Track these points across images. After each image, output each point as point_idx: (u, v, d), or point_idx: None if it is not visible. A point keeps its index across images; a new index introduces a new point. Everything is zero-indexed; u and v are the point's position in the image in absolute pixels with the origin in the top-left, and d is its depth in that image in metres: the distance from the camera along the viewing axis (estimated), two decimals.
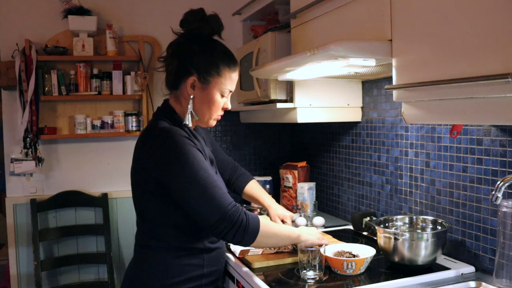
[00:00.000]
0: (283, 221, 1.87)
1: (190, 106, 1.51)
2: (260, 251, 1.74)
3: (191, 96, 1.50)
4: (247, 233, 1.42)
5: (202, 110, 1.53)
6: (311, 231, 1.67)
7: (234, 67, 1.53)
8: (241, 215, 1.41)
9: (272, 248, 1.75)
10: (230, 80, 1.53)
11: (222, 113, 1.58)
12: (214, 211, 1.38)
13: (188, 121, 1.51)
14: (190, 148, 1.42)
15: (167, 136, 1.42)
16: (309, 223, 2.22)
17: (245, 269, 1.63)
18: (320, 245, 1.61)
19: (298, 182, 2.55)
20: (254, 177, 2.03)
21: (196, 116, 1.53)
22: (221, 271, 1.62)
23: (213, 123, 1.58)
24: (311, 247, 1.58)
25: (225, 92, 1.53)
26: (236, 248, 1.76)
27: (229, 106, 1.58)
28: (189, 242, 1.49)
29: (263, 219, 1.49)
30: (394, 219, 1.74)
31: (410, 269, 1.53)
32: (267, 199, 1.92)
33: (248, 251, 1.72)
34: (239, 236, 1.41)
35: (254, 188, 1.95)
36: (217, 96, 1.52)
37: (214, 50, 1.51)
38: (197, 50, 1.49)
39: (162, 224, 1.49)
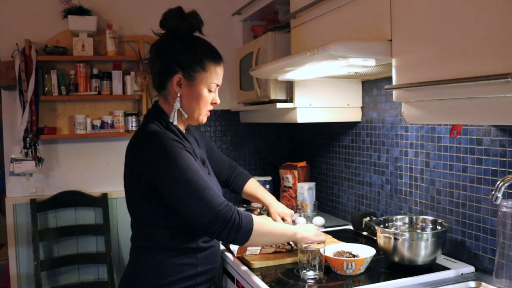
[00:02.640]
0: (283, 219, 1.87)
1: (177, 104, 1.51)
2: (258, 250, 1.73)
3: (178, 94, 1.50)
4: (240, 232, 1.42)
5: (191, 106, 1.53)
6: (308, 228, 1.67)
7: (218, 61, 1.54)
8: (234, 214, 1.42)
9: (270, 248, 1.75)
10: (216, 74, 1.53)
11: (211, 108, 1.58)
12: (206, 212, 1.39)
13: (174, 119, 1.51)
14: (179, 151, 1.41)
15: (156, 139, 1.42)
16: (309, 223, 2.22)
17: (245, 269, 1.63)
18: (318, 242, 1.61)
19: (298, 182, 2.55)
20: (254, 177, 2.02)
21: (185, 114, 1.53)
22: (216, 269, 1.62)
23: (203, 119, 1.58)
24: (309, 244, 1.58)
25: (212, 87, 1.53)
26: (235, 247, 1.76)
27: (217, 101, 1.58)
28: (182, 242, 1.50)
29: (257, 218, 1.49)
30: (394, 219, 1.74)
31: (410, 269, 1.53)
32: (267, 197, 1.92)
33: (245, 250, 1.72)
34: (232, 236, 1.42)
35: (254, 186, 1.95)
36: (205, 91, 1.52)
37: (196, 46, 1.51)
38: (179, 48, 1.49)
39: (155, 225, 1.49)
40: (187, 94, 1.51)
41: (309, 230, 1.65)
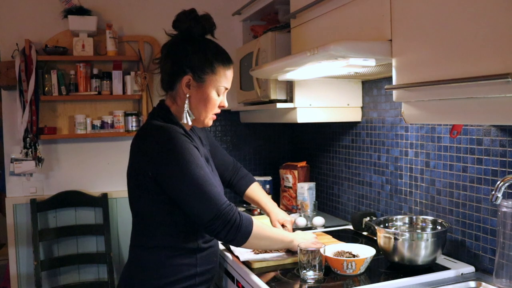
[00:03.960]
0: (283, 226, 1.86)
1: (186, 105, 1.51)
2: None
3: (187, 95, 1.51)
4: (239, 232, 1.43)
5: (199, 108, 1.53)
6: (306, 236, 1.67)
7: (228, 65, 1.54)
8: (235, 215, 1.42)
9: (267, 252, 1.74)
10: (225, 78, 1.54)
11: (218, 111, 1.58)
12: (209, 209, 1.39)
13: (187, 120, 1.51)
14: (186, 145, 1.42)
15: (163, 133, 1.43)
16: (309, 223, 2.22)
17: (245, 269, 1.63)
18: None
19: (298, 182, 2.55)
20: (254, 177, 2.02)
21: (192, 116, 1.53)
22: (215, 269, 1.62)
23: (209, 122, 1.58)
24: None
25: (220, 90, 1.54)
26: (235, 249, 1.76)
27: (225, 104, 1.58)
28: (182, 242, 1.50)
29: (257, 221, 1.50)
30: (394, 219, 1.74)
31: (410, 269, 1.53)
32: (269, 204, 1.92)
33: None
34: (231, 235, 1.42)
35: (256, 191, 1.95)
36: (213, 94, 1.52)
37: (208, 48, 1.51)
38: (191, 49, 1.50)
39: (156, 224, 1.49)
40: (196, 96, 1.51)
41: (307, 238, 1.65)
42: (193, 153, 1.42)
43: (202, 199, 1.40)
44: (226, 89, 1.56)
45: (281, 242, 1.61)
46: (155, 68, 1.58)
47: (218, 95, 1.54)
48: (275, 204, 1.94)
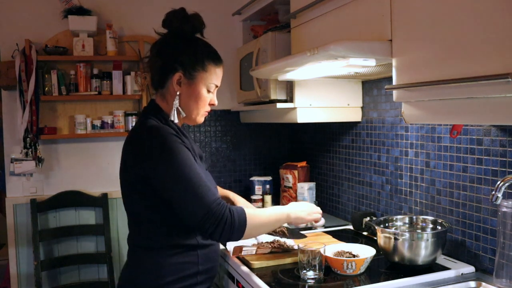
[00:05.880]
0: None
1: (176, 102, 1.51)
2: (254, 250, 1.73)
3: (178, 93, 1.51)
4: (234, 230, 1.41)
5: (189, 106, 1.53)
6: (301, 208, 1.66)
7: (219, 63, 1.56)
8: (226, 213, 1.40)
9: (266, 248, 1.75)
10: (216, 75, 1.55)
11: (209, 109, 1.59)
12: (198, 208, 1.38)
13: (174, 117, 1.52)
14: (177, 146, 1.42)
15: (155, 133, 1.43)
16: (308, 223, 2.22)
17: (245, 269, 1.63)
18: (314, 221, 1.60)
19: (298, 182, 2.55)
20: (254, 177, 2.02)
21: (183, 113, 1.54)
22: (217, 268, 1.61)
23: (201, 119, 1.58)
24: (304, 225, 1.56)
25: (211, 87, 1.55)
26: (230, 248, 1.76)
27: (215, 102, 1.59)
28: (180, 239, 1.48)
29: (249, 210, 1.47)
30: (394, 219, 1.74)
31: (410, 269, 1.53)
32: (231, 194, 1.91)
33: (241, 250, 1.71)
34: (226, 234, 1.41)
35: (224, 190, 1.95)
36: (204, 91, 1.53)
37: (198, 46, 1.53)
38: (182, 46, 1.51)
39: (152, 223, 1.49)
40: (186, 93, 1.52)
41: (302, 209, 1.65)
42: (184, 154, 1.42)
43: (191, 199, 1.38)
44: (217, 86, 1.57)
45: (278, 221, 1.58)
46: (146, 67, 1.59)
47: (208, 93, 1.55)
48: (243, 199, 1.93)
